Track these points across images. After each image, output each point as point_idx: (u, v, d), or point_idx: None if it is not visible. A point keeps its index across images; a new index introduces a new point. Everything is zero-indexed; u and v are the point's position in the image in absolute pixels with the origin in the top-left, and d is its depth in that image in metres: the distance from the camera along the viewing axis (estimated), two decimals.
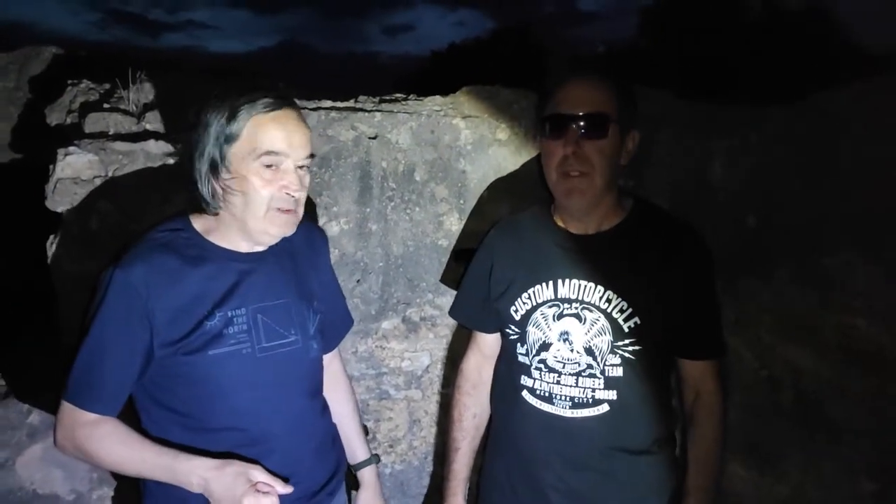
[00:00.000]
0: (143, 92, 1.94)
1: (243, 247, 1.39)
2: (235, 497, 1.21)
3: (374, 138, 1.94)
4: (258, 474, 1.25)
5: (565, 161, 1.42)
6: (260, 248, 1.41)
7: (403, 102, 2.03)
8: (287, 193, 1.31)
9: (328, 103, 1.95)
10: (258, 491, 1.22)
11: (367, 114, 1.93)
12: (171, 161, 1.77)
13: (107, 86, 2.03)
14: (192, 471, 1.24)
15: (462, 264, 2.03)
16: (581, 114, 1.41)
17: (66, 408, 1.33)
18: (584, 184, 1.42)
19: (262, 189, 1.29)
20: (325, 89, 2.06)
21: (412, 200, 1.98)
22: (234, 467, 1.24)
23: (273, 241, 1.40)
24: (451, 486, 1.67)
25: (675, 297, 1.43)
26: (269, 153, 1.28)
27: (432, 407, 2.09)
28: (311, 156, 1.35)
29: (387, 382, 2.04)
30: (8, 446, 1.73)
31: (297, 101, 1.90)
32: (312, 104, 1.91)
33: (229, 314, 1.34)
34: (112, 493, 1.82)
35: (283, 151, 1.29)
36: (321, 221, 1.89)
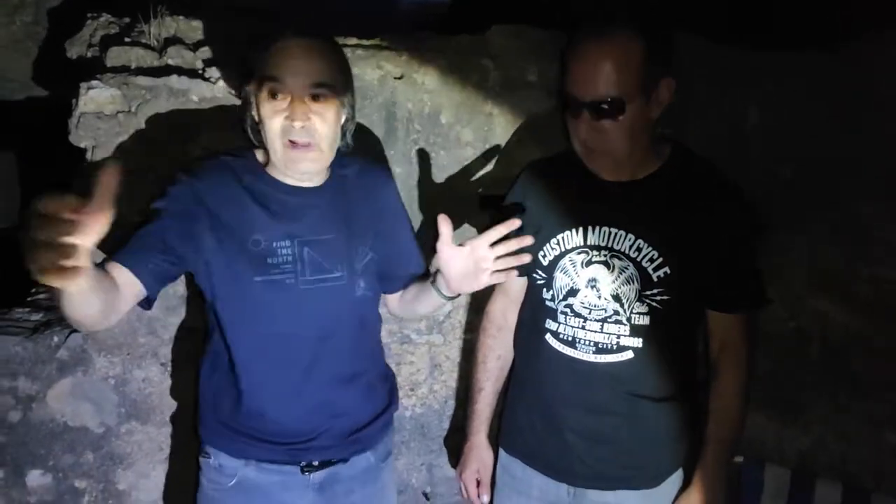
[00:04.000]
0: (165, 26, 1.89)
1: (290, 180, 1.41)
2: None
3: (400, 78, 1.89)
4: None
5: (586, 138, 1.38)
6: (311, 184, 1.43)
7: (430, 41, 1.96)
8: (292, 124, 1.31)
9: (353, 40, 1.89)
10: None
11: (393, 52, 1.88)
12: (194, 97, 1.74)
13: (127, 20, 1.98)
14: None
15: (488, 210, 2.00)
16: (590, 101, 1.32)
17: None
18: (605, 157, 1.40)
19: (270, 119, 1.32)
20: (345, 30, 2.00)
21: (437, 143, 1.94)
22: None
23: (303, 176, 1.41)
24: (474, 425, 1.69)
25: (707, 248, 1.39)
26: (268, 79, 1.30)
27: (453, 352, 2.09)
28: (321, 84, 1.32)
29: (409, 327, 2.04)
30: (39, 379, 1.77)
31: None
32: (338, 41, 1.86)
33: (274, 244, 1.36)
34: (140, 427, 1.86)
35: (279, 77, 1.30)
36: None
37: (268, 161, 1.43)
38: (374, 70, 1.86)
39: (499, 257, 1.30)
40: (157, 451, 1.89)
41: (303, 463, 1.45)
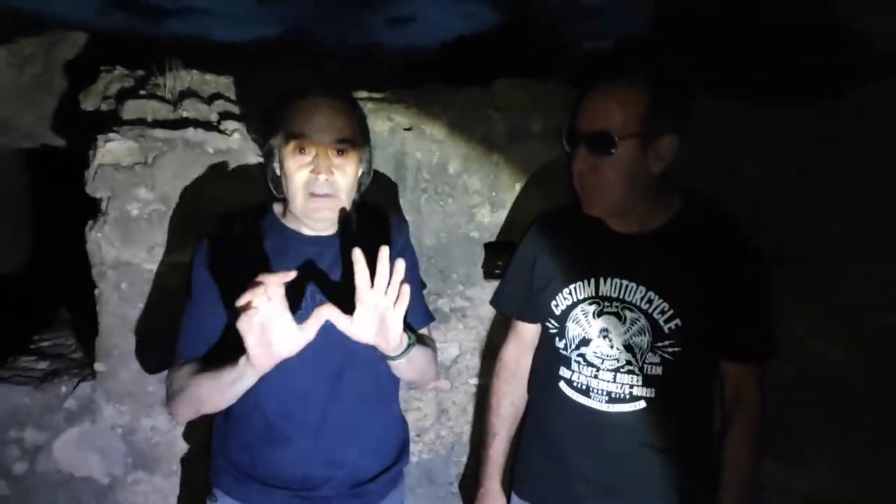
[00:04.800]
0: (179, 79, 1.94)
1: (306, 230, 1.46)
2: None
3: (410, 130, 1.94)
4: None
5: (580, 175, 1.43)
6: (325, 233, 1.46)
7: (438, 94, 2.03)
8: (316, 177, 1.37)
9: (364, 94, 1.95)
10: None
11: (402, 105, 1.94)
12: (210, 149, 1.78)
13: (141, 72, 2.03)
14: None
15: (493, 256, 2.04)
16: (585, 131, 1.38)
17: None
18: (598, 196, 1.43)
19: (295, 173, 1.39)
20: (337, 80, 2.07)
21: (445, 192, 1.99)
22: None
23: (318, 225, 1.45)
24: (488, 470, 1.69)
25: (719, 301, 1.41)
26: (293, 135, 1.38)
27: (460, 397, 2.10)
28: (344, 140, 1.40)
29: None
30: (46, 429, 1.75)
31: None
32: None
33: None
34: (146, 477, 1.84)
35: (305, 133, 1.37)
36: None
37: (285, 212, 1.49)
38: (384, 122, 1.91)
39: (387, 290, 1.25)
40: (163, 501, 1.87)
41: None
